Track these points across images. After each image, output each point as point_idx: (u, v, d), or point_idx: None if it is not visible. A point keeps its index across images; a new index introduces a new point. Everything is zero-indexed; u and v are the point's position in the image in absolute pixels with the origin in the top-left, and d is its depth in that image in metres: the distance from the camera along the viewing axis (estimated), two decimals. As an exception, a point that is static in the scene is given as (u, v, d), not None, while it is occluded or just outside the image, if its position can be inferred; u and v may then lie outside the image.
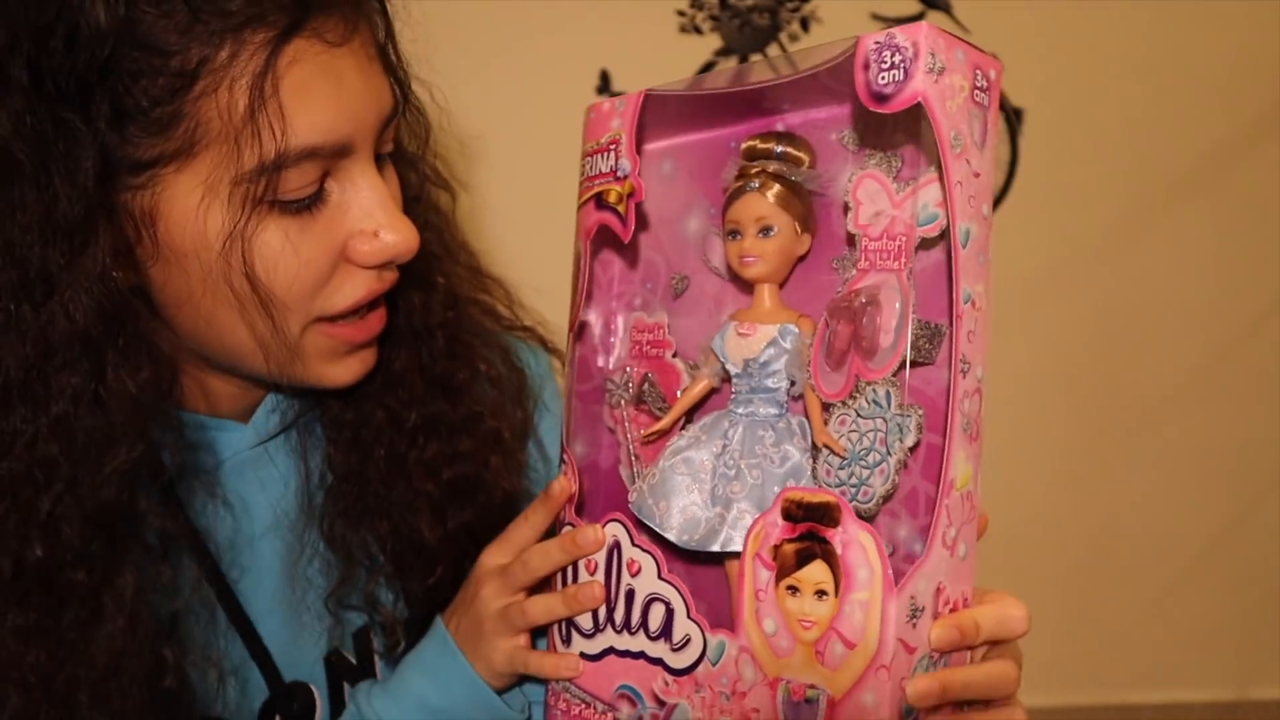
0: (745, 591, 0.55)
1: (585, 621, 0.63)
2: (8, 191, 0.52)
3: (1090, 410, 1.77)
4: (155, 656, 0.59)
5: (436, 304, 0.70)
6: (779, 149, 0.57)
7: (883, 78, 0.49)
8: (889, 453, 0.51)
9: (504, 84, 1.47)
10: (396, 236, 0.59)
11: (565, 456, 0.65)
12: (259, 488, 0.68)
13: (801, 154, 0.57)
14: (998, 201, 1.75)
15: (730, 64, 1.62)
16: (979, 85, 0.50)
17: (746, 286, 0.60)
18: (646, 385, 0.64)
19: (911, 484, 0.51)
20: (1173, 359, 1.74)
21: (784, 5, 1.62)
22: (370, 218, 0.59)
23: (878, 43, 0.49)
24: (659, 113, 0.60)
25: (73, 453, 0.55)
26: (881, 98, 0.49)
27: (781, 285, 0.59)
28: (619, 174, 0.60)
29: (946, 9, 1.69)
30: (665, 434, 0.63)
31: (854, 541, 0.51)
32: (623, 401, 0.65)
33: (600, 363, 0.66)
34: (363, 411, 0.69)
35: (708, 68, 1.60)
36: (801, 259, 0.58)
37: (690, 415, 0.64)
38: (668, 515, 0.59)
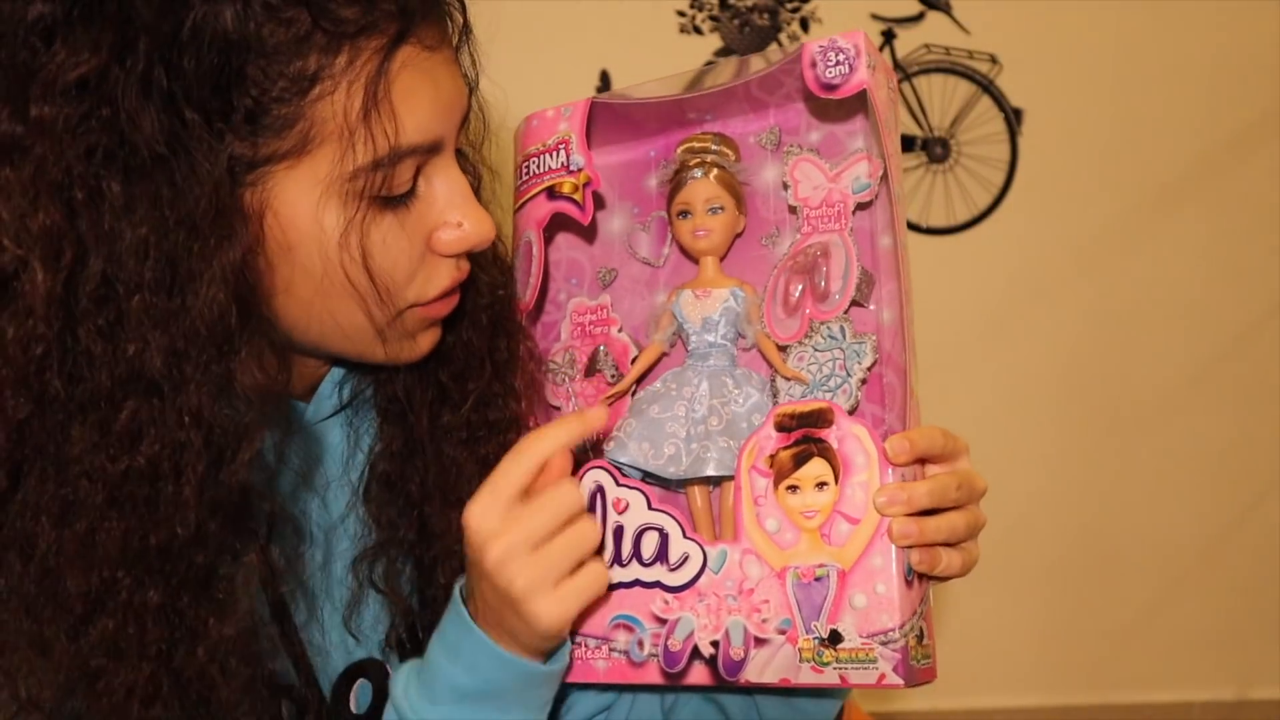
0: (744, 501, 0.62)
1: None
2: (148, 187, 0.56)
3: (1090, 410, 1.77)
4: (261, 638, 0.63)
5: (484, 285, 0.74)
6: (714, 146, 0.68)
7: (830, 72, 0.62)
8: (849, 375, 0.62)
9: (503, 84, 1.47)
10: (477, 227, 0.64)
11: (531, 423, 0.70)
12: (320, 461, 0.72)
13: (731, 150, 0.68)
14: (996, 202, 1.76)
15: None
16: (890, 86, 0.64)
17: (680, 267, 0.70)
18: (601, 354, 0.71)
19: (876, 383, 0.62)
20: (1172, 359, 1.75)
21: (784, 5, 1.63)
22: (454, 209, 0.63)
23: (822, 46, 0.62)
24: (598, 120, 0.70)
25: (209, 441, 0.58)
26: (830, 87, 0.62)
27: (721, 259, 0.69)
28: (571, 168, 0.69)
29: (946, 9, 1.69)
30: (621, 396, 0.70)
31: (848, 435, 0.60)
32: (567, 379, 0.72)
33: (544, 344, 0.73)
34: (414, 385, 0.73)
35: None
36: (738, 236, 0.69)
37: (638, 381, 0.71)
38: (651, 455, 0.66)
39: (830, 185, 0.64)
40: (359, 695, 0.72)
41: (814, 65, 0.62)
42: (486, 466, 0.70)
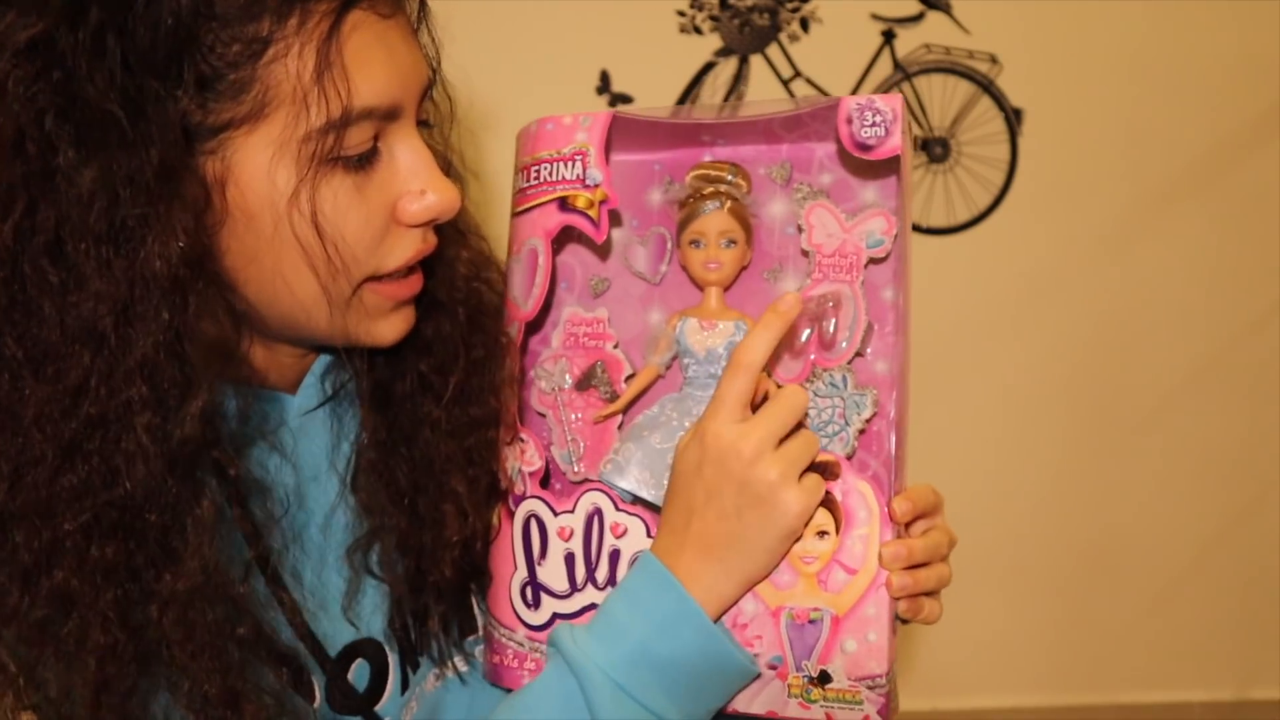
0: None
1: (558, 584, 0.69)
2: (102, 151, 0.57)
3: (1090, 410, 1.78)
4: (230, 596, 0.64)
5: (459, 278, 0.76)
6: (730, 176, 0.69)
7: (865, 132, 0.64)
8: (848, 423, 0.65)
9: (503, 84, 1.47)
10: (441, 195, 0.65)
11: (525, 434, 0.72)
12: (304, 453, 0.72)
13: (744, 181, 0.69)
14: (996, 202, 1.76)
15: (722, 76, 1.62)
16: (911, 146, 0.68)
17: (678, 289, 0.71)
18: (599, 370, 0.72)
19: (870, 437, 0.66)
20: (1172, 359, 1.75)
21: (784, 5, 1.63)
22: (417, 177, 0.65)
23: (859, 104, 0.64)
24: (617, 136, 0.70)
25: (156, 393, 0.59)
26: (865, 147, 0.64)
27: (726, 290, 0.70)
28: (588, 182, 0.69)
29: (946, 9, 1.69)
30: (614, 415, 0.71)
31: (853, 490, 0.64)
32: (557, 388, 0.72)
33: (534, 349, 0.74)
34: (397, 376, 0.74)
35: (707, 69, 1.61)
36: (743, 269, 0.70)
37: (632, 402, 0.72)
38: (651, 484, 0.67)
39: (845, 235, 0.66)
40: (357, 675, 0.72)
41: (850, 122, 0.64)
42: (470, 458, 0.74)
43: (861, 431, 0.65)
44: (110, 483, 0.59)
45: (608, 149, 0.69)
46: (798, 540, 0.64)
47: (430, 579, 0.73)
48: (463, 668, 0.76)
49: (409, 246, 0.65)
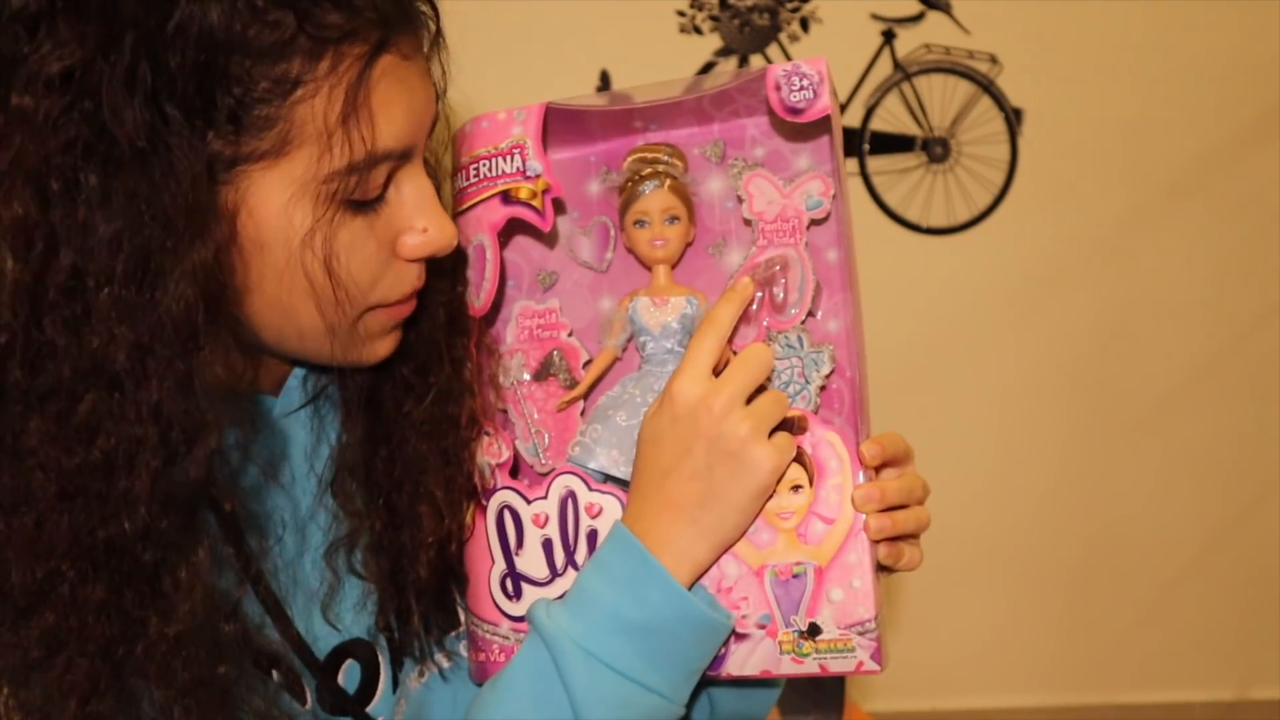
0: None
1: (538, 571, 0.69)
2: (125, 182, 0.57)
3: (1089, 411, 1.78)
4: (217, 634, 0.64)
5: (444, 284, 0.76)
6: (666, 156, 0.70)
7: (794, 96, 0.65)
8: (808, 381, 0.66)
9: (503, 84, 1.47)
10: (441, 232, 0.66)
11: (490, 429, 0.72)
12: (286, 455, 0.73)
13: (680, 161, 0.71)
14: (996, 202, 1.76)
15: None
16: (837, 109, 0.68)
17: (626, 273, 0.73)
18: (556, 358, 0.73)
19: (831, 394, 0.68)
20: (1172, 360, 1.75)
21: (784, 5, 1.63)
22: (421, 215, 0.65)
23: (786, 70, 0.65)
24: (552, 126, 0.71)
25: (165, 437, 0.59)
26: (795, 111, 0.65)
27: (672, 268, 0.71)
28: (529, 173, 0.69)
29: (946, 9, 1.69)
30: (577, 401, 0.73)
31: (822, 441, 0.64)
32: (516, 382, 0.73)
33: (494, 348, 0.75)
34: (378, 379, 0.75)
35: (707, 69, 1.61)
36: (688, 246, 0.71)
37: (593, 386, 0.73)
38: (621, 462, 0.68)
39: (784, 201, 0.68)
40: (348, 675, 0.73)
41: (779, 89, 0.65)
42: (448, 459, 0.75)
43: (822, 388, 0.66)
44: (107, 523, 0.58)
45: (545, 141, 0.70)
46: (771, 498, 0.64)
47: (409, 578, 0.73)
48: (445, 664, 0.77)
49: (408, 280, 0.66)
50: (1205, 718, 1.82)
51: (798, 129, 0.68)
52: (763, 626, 0.64)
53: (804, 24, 1.66)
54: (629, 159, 0.71)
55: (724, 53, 1.63)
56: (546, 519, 0.69)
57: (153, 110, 0.56)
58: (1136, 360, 1.76)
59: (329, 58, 0.59)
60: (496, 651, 0.70)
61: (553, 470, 0.70)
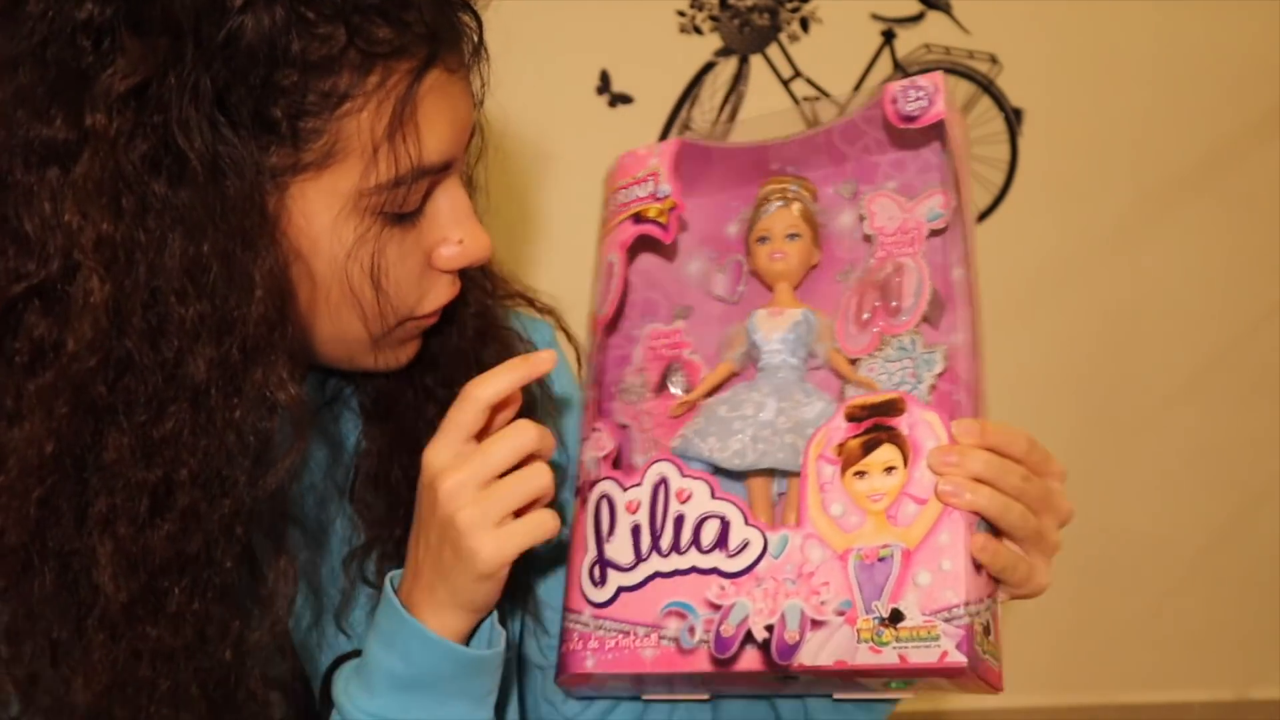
0: (809, 488, 0.62)
1: (624, 557, 0.68)
2: (195, 195, 0.57)
3: (1089, 411, 1.78)
4: (281, 638, 0.65)
5: (473, 297, 0.76)
6: (795, 185, 0.72)
7: (909, 106, 0.66)
8: (919, 380, 0.64)
9: (503, 83, 1.47)
10: (476, 244, 0.66)
11: (599, 425, 0.72)
12: (306, 464, 0.73)
13: (809, 192, 0.73)
14: (996, 202, 1.76)
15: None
16: (965, 132, 0.69)
17: (756, 301, 0.73)
18: (673, 370, 0.74)
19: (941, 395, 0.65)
20: (1172, 360, 1.75)
21: (784, 5, 1.63)
22: (457, 227, 0.66)
23: (902, 85, 0.67)
24: (687, 164, 0.75)
25: (247, 449, 0.59)
26: (910, 118, 0.66)
27: (795, 288, 0.72)
28: (659, 195, 0.73)
29: (946, 9, 1.69)
30: (691, 406, 0.73)
31: (920, 422, 0.61)
32: (638, 399, 0.74)
33: (618, 363, 0.76)
34: (397, 388, 0.75)
35: (707, 68, 1.61)
36: (813, 269, 0.72)
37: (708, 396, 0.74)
38: (717, 449, 0.68)
39: (905, 215, 0.68)
40: None
41: (894, 101, 0.67)
42: None
43: (933, 387, 0.65)
44: (198, 538, 0.58)
45: (679, 170, 0.73)
46: (862, 479, 0.61)
47: None
48: None
49: (443, 292, 0.67)
50: (1205, 718, 1.82)
51: (918, 144, 0.69)
52: (841, 613, 0.60)
53: (804, 24, 1.66)
54: (760, 190, 0.74)
55: (724, 53, 1.63)
56: (638, 506, 0.68)
57: (213, 122, 0.56)
58: (1136, 361, 1.76)
59: (378, 72, 0.59)
60: (576, 640, 0.69)
61: (652, 459, 0.70)
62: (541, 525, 0.61)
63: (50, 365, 0.56)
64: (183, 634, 0.59)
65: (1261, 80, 1.71)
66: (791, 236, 0.71)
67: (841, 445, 0.62)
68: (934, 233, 0.67)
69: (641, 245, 0.75)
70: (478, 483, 0.60)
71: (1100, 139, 1.74)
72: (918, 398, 0.63)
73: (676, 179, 0.73)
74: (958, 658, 0.56)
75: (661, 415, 0.74)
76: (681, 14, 1.61)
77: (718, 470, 0.68)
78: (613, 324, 0.75)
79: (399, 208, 0.62)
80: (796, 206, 0.72)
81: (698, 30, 1.62)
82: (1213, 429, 1.78)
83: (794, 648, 0.60)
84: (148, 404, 0.57)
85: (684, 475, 0.67)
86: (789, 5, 1.65)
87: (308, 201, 0.60)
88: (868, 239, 0.70)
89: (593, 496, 0.70)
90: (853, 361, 0.68)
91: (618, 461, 0.72)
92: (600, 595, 0.68)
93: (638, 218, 0.74)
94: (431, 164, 0.62)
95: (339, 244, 0.61)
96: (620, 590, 0.67)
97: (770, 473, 0.69)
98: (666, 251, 0.77)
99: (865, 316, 0.68)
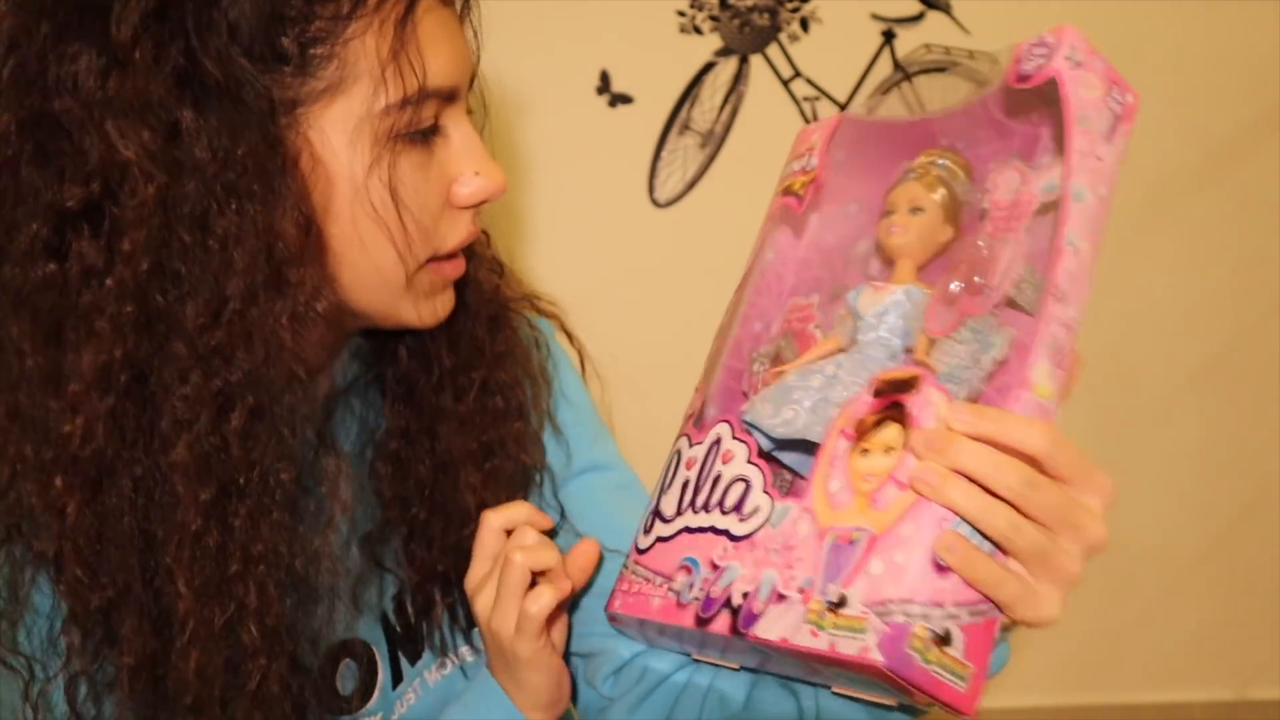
0: (822, 461, 0.61)
1: (669, 509, 0.69)
2: (219, 118, 0.59)
3: (1089, 410, 1.78)
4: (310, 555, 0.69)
5: (485, 278, 0.79)
6: (941, 159, 0.68)
7: (1027, 64, 0.61)
8: (974, 364, 0.59)
9: (502, 83, 1.47)
10: (492, 176, 0.68)
11: (700, 386, 0.73)
12: (335, 437, 0.75)
13: (961, 170, 0.68)
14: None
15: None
16: (1115, 97, 0.62)
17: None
18: (785, 341, 0.73)
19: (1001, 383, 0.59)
20: (1172, 359, 1.76)
21: (784, 5, 1.62)
22: (470, 159, 0.68)
23: (1030, 43, 0.62)
24: (848, 135, 0.74)
25: (282, 361, 0.62)
26: (1024, 78, 0.61)
27: (921, 269, 0.68)
28: (808, 168, 0.72)
29: (946, 9, 1.69)
30: (779, 376, 0.72)
31: (927, 402, 0.57)
32: (761, 370, 0.73)
33: (751, 339, 0.75)
34: (419, 368, 0.77)
35: (707, 68, 1.60)
36: (945, 249, 0.68)
37: None
38: (768, 417, 0.66)
39: (1023, 187, 0.62)
40: (344, 676, 0.73)
41: (1019, 61, 0.62)
42: (489, 452, 0.78)
43: (989, 375, 0.58)
44: (258, 447, 0.61)
45: (832, 145, 0.72)
46: (864, 458, 0.59)
47: (440, 569, 0.74)
48: (469, 658, 0.77)
49: (463, 228, 0.69)
50: (1205, 718, 1.82)
51: (1028, 109, 0.63)
52: (802, 590, 0.57)
53: (804, 24, 1.66)
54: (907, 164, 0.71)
55: (724, 53, 1.63)
56: (695, 462, 0.70)
57: (228, 56, 0.59)
58: (1135, 360, 1.77)
59: None
60: (621, 581, 0.71)
61: (715, 419, 0.70)
62: (539, 598, 0.68)
63: (108, 275, 0.58)
64: (260, 538, 0.62)
65: (1262, 80, 1.72)
66: (914, 211, 0.66)
67: (861, 421, 0.59)
68: (1045, 206, 0.60)
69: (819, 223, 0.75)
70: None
71: (1100, 139, 1.74)
72: (960, 392, 0.57)
73: (826, 153, 0.72)
74: (875, 656, 0.51)
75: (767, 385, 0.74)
76: (681, 14, 1.61)
77: (782, 443, 0.66)
78: (741, 289, 0.75)
79: (411, 127, 0.64)
80: (926, 180, 0.67)
81: (698, 30, 1.62)
82: (1213, 429, 1.79)
83: (755, 617, 0.58)
84: (202, 311, 0.59)
85: (735, 436, 0.68)
86: (789, 5, 1.65)
87: (325, 128, 0.63)
88: (982, 214, 0.64)
89: (671, 451, 0.73)
90: (933, 342, 0.63)
91: (700, 420, 0.72)
92: (644, 542, 0.70)
93: (787, 190, 0.74)
94: (437, 86, 0.64)
95: (359, 165, 0.63)
96: (658, 540, 0.69)
97: (807, 444, 0.69)
98: (839, 231, 0.74)
99: (952, 293, 0.62)
